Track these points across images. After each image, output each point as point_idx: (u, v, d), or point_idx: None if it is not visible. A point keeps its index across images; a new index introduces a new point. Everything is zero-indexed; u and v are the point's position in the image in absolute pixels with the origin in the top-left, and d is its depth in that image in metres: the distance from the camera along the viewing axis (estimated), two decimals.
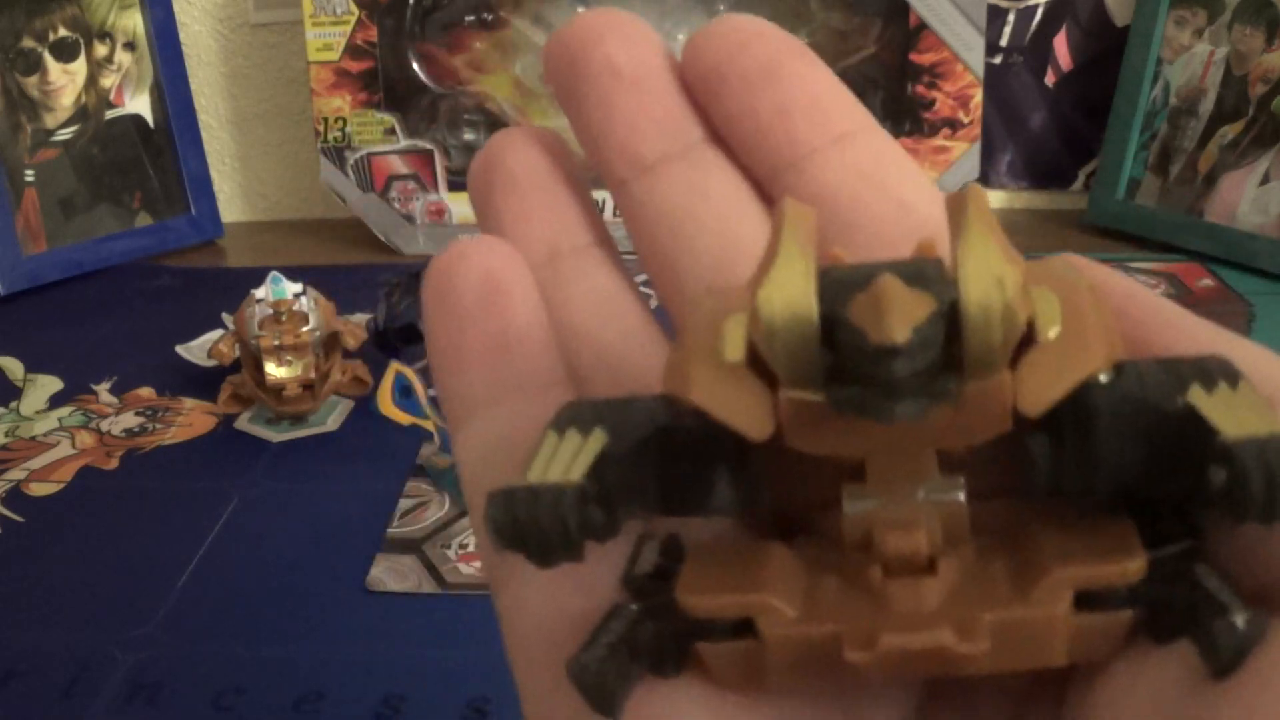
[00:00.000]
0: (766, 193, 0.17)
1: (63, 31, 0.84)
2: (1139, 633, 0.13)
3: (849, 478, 0.13)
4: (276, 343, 0.56)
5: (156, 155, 0.89)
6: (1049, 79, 0.91)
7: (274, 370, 0.56)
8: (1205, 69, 0.80)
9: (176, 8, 0.91)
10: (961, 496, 0.13)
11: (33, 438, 0.59)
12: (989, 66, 0.89)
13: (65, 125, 0.85)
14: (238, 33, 0.96)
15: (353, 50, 0.85)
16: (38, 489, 0.54)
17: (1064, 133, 0.92)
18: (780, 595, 0.13)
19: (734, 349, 0.12)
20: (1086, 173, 0.92)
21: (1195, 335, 0.14)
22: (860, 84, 0.87)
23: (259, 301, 0.57)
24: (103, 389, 0.64)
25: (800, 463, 0.13)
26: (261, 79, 0.97)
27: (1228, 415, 0.12)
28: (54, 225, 0.83)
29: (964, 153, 0.83)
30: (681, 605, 0.13)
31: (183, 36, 0.92)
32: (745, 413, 0.12)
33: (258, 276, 0.60)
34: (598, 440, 0.13)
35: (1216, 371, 0.12)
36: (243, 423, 0.59)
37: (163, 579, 0.46)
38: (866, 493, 0.13)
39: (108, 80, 0.86)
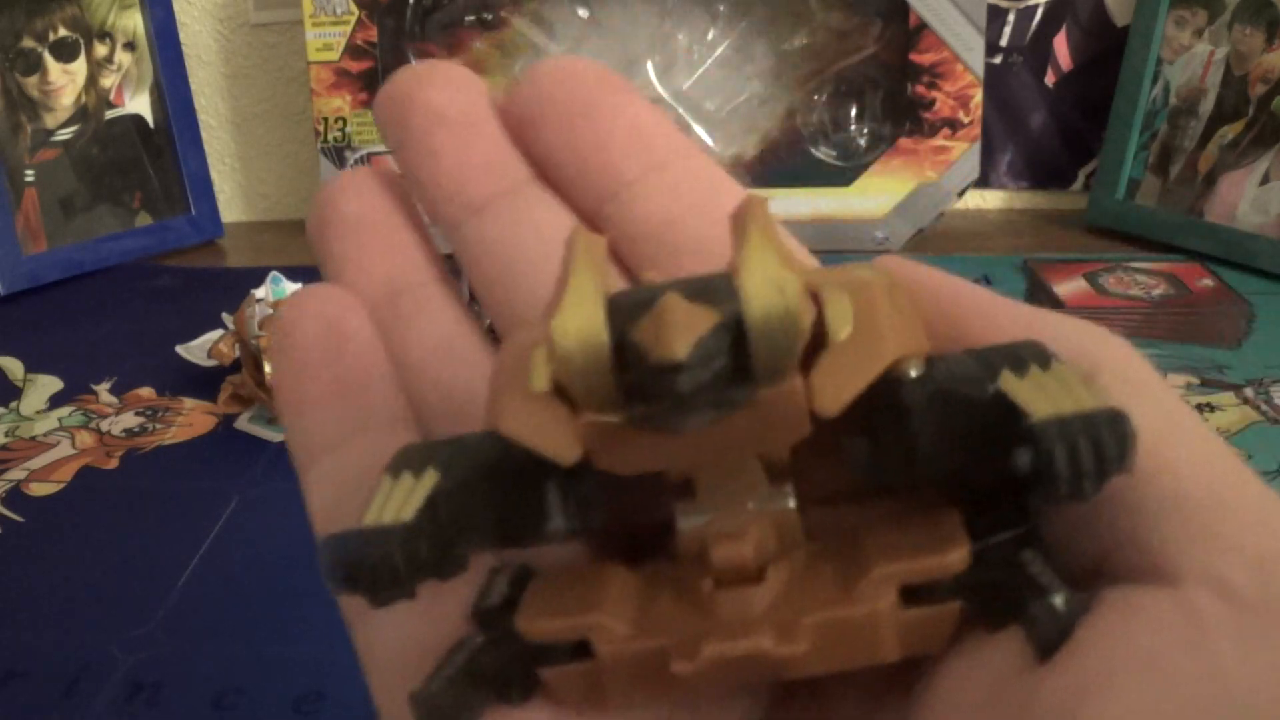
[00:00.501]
0: (594, 225, 0.17)
1: (63, 31, 0.84)
2: (972, 622, 0.13)
3: (681, 495, 0.14)
4: None
5: (156, 155, 0.89)
6: (1049, 79, 0.91)
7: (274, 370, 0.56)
8: (1205, 69, 0.80)
9: (176, 8, 0.91)
10: (791, 503, 0.13)
11: (33, 438, 0.59)
12: (989, 66, 0.89)
13: (65, 125, 0.85)
14: (238, 33, 0.96)
15: (353, 50, 0.85)
16: (38, 489, 0.54)
17: (1064, 133, 0.92)
18: (612, 614, 0.13)
19: (539, 379, 0.13)
20: (1086, 173, 0.92)
21: (1015, 320, 0.14)
22: (860, 84, 0.87)
23: (259, 301, 0.57)
24: (103, 389, 0.64)
25: (629, 484, 0.13)
26: (261, 79, 0.97)
27: (1038, 397, 0.12)
28: (54, 225, 0.84)
29: (964, 153, 0.83)
30: (520, 632, 0.13)
31: (183, 36, 0.92)
32: (552, 439, 0.12)
33: (258, 276, 0.60)
34: (430, 479, 0.13)
35: (1028, 355, 0.12)
36: (243, 423, 0.59)
37: (163, 579, 0.46)
38: (698, 508, 0.13)
39: (108, 80, 0.86)
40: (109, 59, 0.86)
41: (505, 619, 0.14)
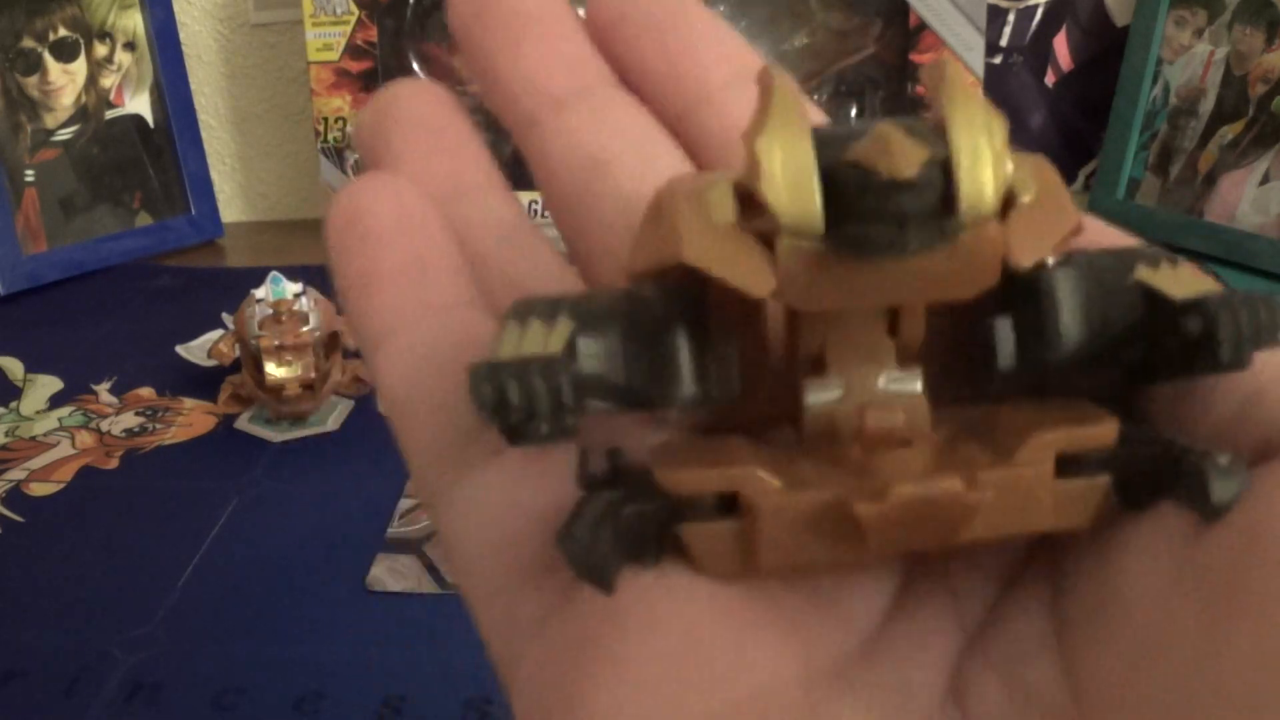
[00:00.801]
0: (677, 132, 0.17)
1: (63, 31, 0.84)
2: (1117, 502, 0.13)
3: (806, 373, 0.13)
4: (276, 343, 0.56)
5: (156, 155, 0.89)
6: (1049, 79, 0.91)
7: (274, 370, 0.56)
8: (1205, 69, 0.80)
9: (176, 8, 0.91)
10: (919, 387, 0.13)
11: (33, 438, 0.59)
12: (989, 66, 0.89)
13: (65, 125, 0.85)
14: (238, 33, 0.96)
15: (353, 50, 0.85)
16: (38, 489, 0.54)
17: (1064, 133, 0.92)
18: (766, 468, 0.12)
19: (723, 211, 0.12)
20: (1086, 173, 0.92)
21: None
22: (860, 84, 0.87)
23: (259, 301, 0.57)
24: (103, 389, 0.64)
25: (760, 356, 0.13)
26: (261, 79, 0.97)
27: (1176, 286, 0.12)
28: (54, 225, 0.83)
29: None
30: (662, 484, 0.12)
31: (183, 36, 0.92)
32: (744, 269, 0.12)
33: (258, 276, 0.60)
34: (565, 326, 0.13)
35: (1158, 255, 0.13)
36: (243, 423, 0.59)
37: (163, 579, 0.46)
38: (829, 385, 0.13)
39: (108, 80, 0.86)
40: (109, 59, 0.86)
41: (630, 485, 0.13)
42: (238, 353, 0.59)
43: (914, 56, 0.83)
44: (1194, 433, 0.13)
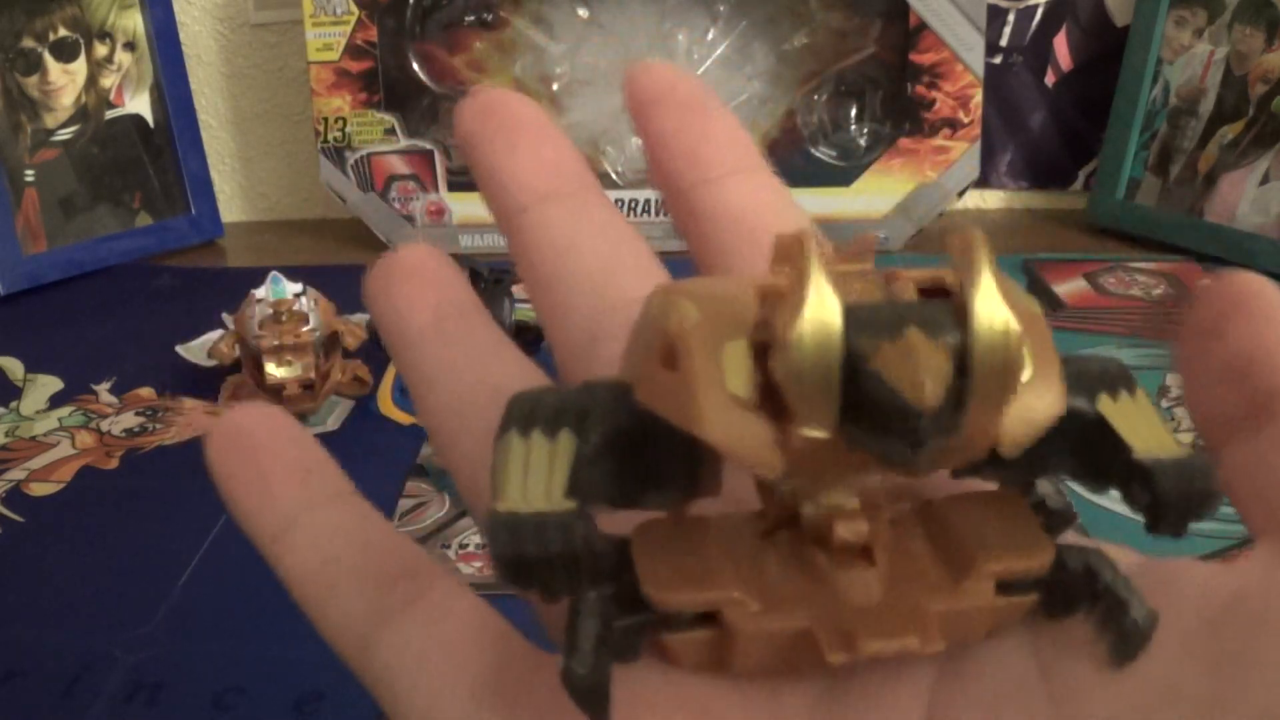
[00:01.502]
0: (682, 204, 0.20)
1: (63, 31, 0.84)
2: (1041, 610, 0.14)
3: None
4: (276, 343, 0.56)
5: (156, 155, 0.89)
6: (1049, 79, 0.91)
7: (274, 370, 0.56)
8: (1205, 69, 0.80)
9: (176, 8, 0.91)
10: (875, 478, 0.14)
11: (33, 438, 0.59)
12: (989, 66, 0.89)
13: (65, 125, 0.85)
14: (238, 33, 0.96)
15: (353, 50, 0.85)
16: (38, 489, 0.54)
17: (1064, 133, 0.92)
18: (742, 587, 0.13)
19: (739, 381, 0.12)
20: (1086, 173, 0.92)
21: None
22: (860, 84, 0.87)
23: (259, 301, 0.57)
24: (103, 389, 0.64)
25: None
26: (261, 79, 0.97)
27: (1133, 429, 0.13)
28: (54, 225, 0.84)
29: (964, 153, 0.83)
30: (651, 601, 0.13)
31: (183, 36, 0.92)
32: (757, 453, 0.12)
33: (258, 276, 0.60)
34: (566, 444, 0.13)
35: (1117, 379, 0.14)
36: None
37: (163, 579, 0.46)
38: (800, 483, 0.14)
39: (108, 80, 0.86)
40: (109, 59, 0.86)
41: (608, 567, 0.14)
42: (238, 353, 0.59)
43: (914, 56, 0.83)
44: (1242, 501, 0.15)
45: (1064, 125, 0.92)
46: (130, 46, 0.87)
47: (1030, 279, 0.75)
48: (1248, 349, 0.15)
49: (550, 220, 0.19)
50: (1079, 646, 0.14)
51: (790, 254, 0.12)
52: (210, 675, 0.40)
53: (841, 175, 0.85)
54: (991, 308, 0.12)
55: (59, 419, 0.61)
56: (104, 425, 0.60)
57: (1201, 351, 0.16)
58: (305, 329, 0.56)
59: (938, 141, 0.83)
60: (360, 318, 0.65)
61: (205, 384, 0.62)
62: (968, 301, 0.12)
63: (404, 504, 0.50)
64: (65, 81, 0.84)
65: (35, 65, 0.83)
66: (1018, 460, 0.13)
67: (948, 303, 0.12)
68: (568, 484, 0.13)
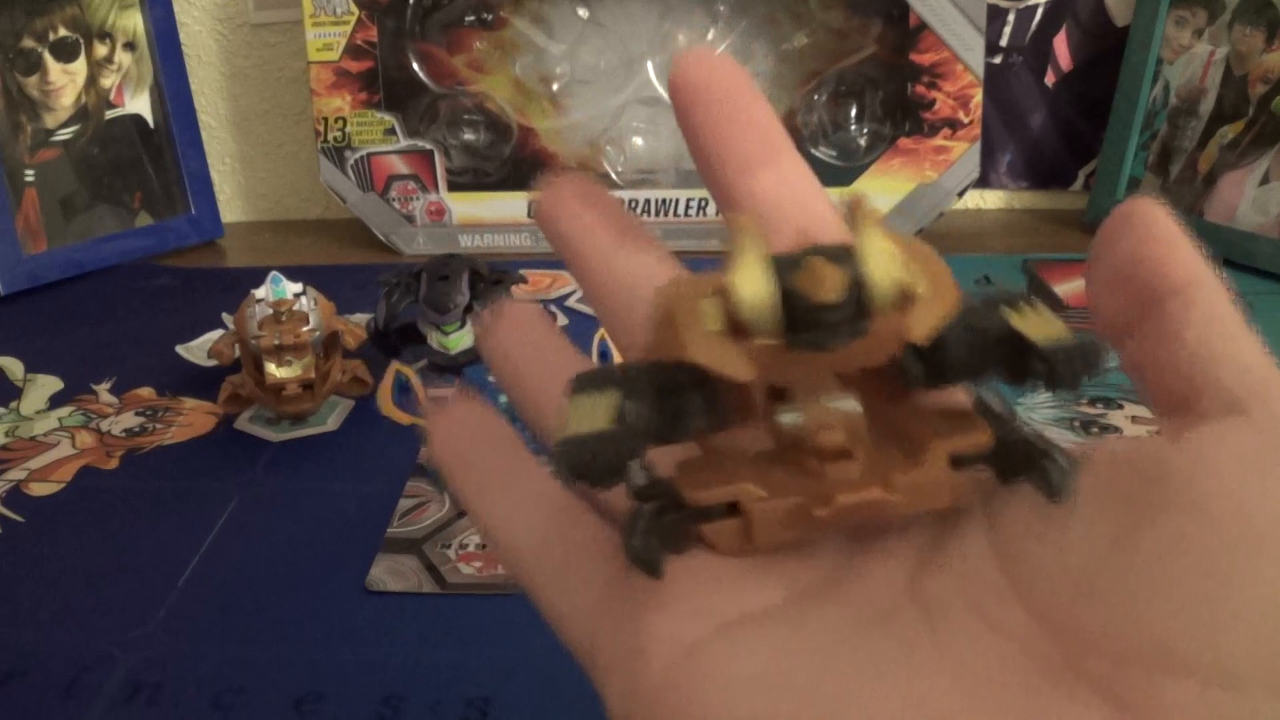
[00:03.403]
0: (722, 191, 0.22)
1: (63, 31, 0.84)
2: (994, 482, 0.18)
3: (778, 399, 0.19)
4: (276, 343, 0.56)
5: (156, 155, 0.89)
6: (1049, 79, 0.91)
7: (274, 370, 0.56)
8: (1205, 69, 0.80)
9: (176, 8, 0.91)
10: (856, 406, 0.19)
11: (33, 438, 0.59)
12: (989, 66, 0.89)
13: (65, 125, 0.85)
14: (238, 33, 0.96)
15: (353, 50, 0.85)
16: (38, 489, 0.54)
17: (1064, 133, 0.92)
18: (754, 483, 0.18)
19: (713, 320, 0.17)
20: (1086, 173, 0.92)
21: None
22: (860, 84, 0.87)
23: (259, 301, 0.57)
24: (103, 389, 0.64)
25: (745, 396, 0.19)
26: (261, 79, 0.97)
27: (1032, 327, 0.18)
28: (54, 225, 0.84)
29: (964, 153, 0.83)
30: (687, 499, 0.18)
31: (183, 36, 0.92)
32: (732, 362, 0.17)
33: (258, 276, 0.60)
34: (612, 396, 0.18)
35: (1018, 296, 0.18)
36: (243, 423, 0.59)
37: (163, 579, 0.46)
38: (793, 409, 0.19)
39: (108, 80, 0.86)
40: (109, 59, 0.86)
41: (657, 492, 0.19)
42: (238, 353, 0.59)
43: (914, 56, 0.83)
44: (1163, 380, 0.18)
45: (1064, 125, 0.92)
46: (130, 46, 0.87)
47: (1030, 279, 0.75)
48: (1134, 256, 0.19)
49: (628, 279, 0.22)
50: (1022, 525, 0.18)
51: (852, 217, 0.18)
52: (210, 675, 0.40)
53: (841, 175, 0.85)
54: (874, 238, 0.17)
55: (59, 419, 0.61)
56: (104, 425, 0.60)
57: (1098, 260, 0.19)
58: (305, 329, 0.56)
59: (938, 141, 0.83)
60: (360, 318, 0.65)
61: (205, 384, 0.62)
62: (858, 238, 0.17)
63: (404, 504, 0.50)
64: (65, 81, 0.84)
65: (35, 65, 0.83)
66: (960, 370, 0.18)
67: (848, 245, 0.17)
68: (614, 418, 0.18)
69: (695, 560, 0.19)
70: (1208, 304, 0.18)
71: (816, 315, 0.17)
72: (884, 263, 0.17)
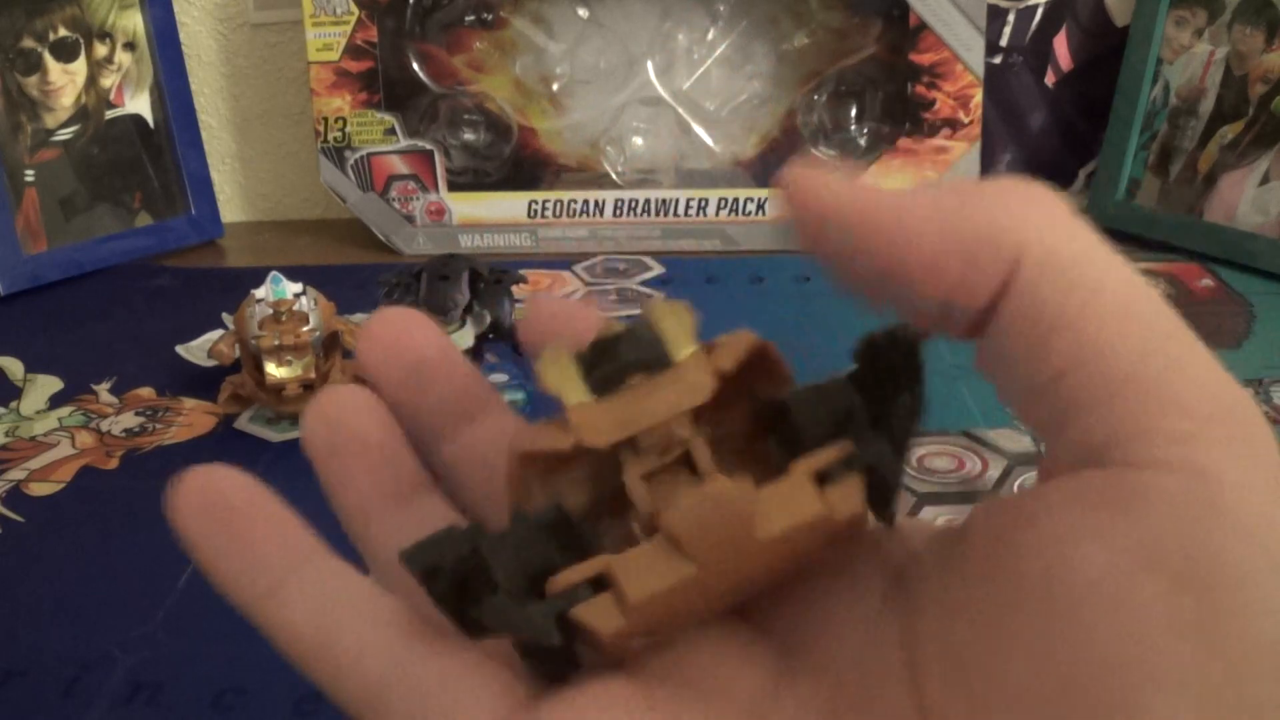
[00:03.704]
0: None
1: (63, 31, 0.84)
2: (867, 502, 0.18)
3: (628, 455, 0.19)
4: (276, 343, 0.56)
5: (156, 155, 0.89)
6: (1049, 79, 0.91)
7: (274, 370, 0.56)
8: (1205, 69, 0.80)
9: (176, 8, 0.91)
10: (704, 441, 0.18)
11: (33, 438, 0.59)
12: (989, 66, 0.89)
13: (65, 125, 0.85)
14: (238, 33, 0.96)
15: (353, 50, 0.85)
16: (38, 489, 0.54)
17: (1064, 133, 0.92)
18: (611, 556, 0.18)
19: (560, 439, 0.18)
20: (1086, 173, 0.92)
21: (928, 219, 0.18)
22: (860, 84, 0.87)
23: (259, 301, 0.57)
24: (103, 389, 0.64)
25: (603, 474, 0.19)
26: (261, 79, 0.97)
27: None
28: (54, 225, 0.84)
29: (964, 153, 0.83)
30: (548, 590, 0.17)
31: (183, 36, 0.92)
32: (555, 440, 0.18)
33: (258, 276, 0.60)
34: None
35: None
36: (243, 423, 0.59)
37: (163, 579, 0.46)
38: (646, 482, 0.18)
39: (108, 80, 0.86)
40: (109, 59, 0.86)
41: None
42: (238, 353, 0.59)
43: (914, 56, 0.83)
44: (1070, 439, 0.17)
45: (1064, 125, 0.92)
46: (130, 46, 0.87)
47: None
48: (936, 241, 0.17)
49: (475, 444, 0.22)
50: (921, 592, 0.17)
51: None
52: (210, 675, 0.40)
53: None
54: (668, 311, 0.19)
55: (59, 419, 0.61)
56: (104, 425, 0.60)
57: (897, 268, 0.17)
58: (305, 329, 0.56)
59: (938, 141, 0.83)
60: (360, 318, 0.65)
61: (205, 384, 0.62)
62: (654, 314, 0.19)
63: None
64: (65, 81, 0.84)
65: (35, 65, 0.83)
66: (810, 433, 0.18)
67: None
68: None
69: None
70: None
71: (613, 356, 0.18)
72: (672, 320, 0.18)
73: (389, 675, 0.18)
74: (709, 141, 0.88)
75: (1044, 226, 0.16)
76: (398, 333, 0.21)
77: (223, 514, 0.20)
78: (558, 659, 0.18)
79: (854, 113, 0.87)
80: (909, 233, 0.16)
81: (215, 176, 0.96)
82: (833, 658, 0.18)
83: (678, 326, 0.18)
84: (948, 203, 0.16)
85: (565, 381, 0.18)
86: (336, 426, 0.21)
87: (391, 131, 0.86)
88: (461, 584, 0.17)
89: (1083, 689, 0.14)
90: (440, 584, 0.17)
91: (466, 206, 0.87)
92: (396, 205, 0.87)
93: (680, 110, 0.88)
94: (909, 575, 0.18)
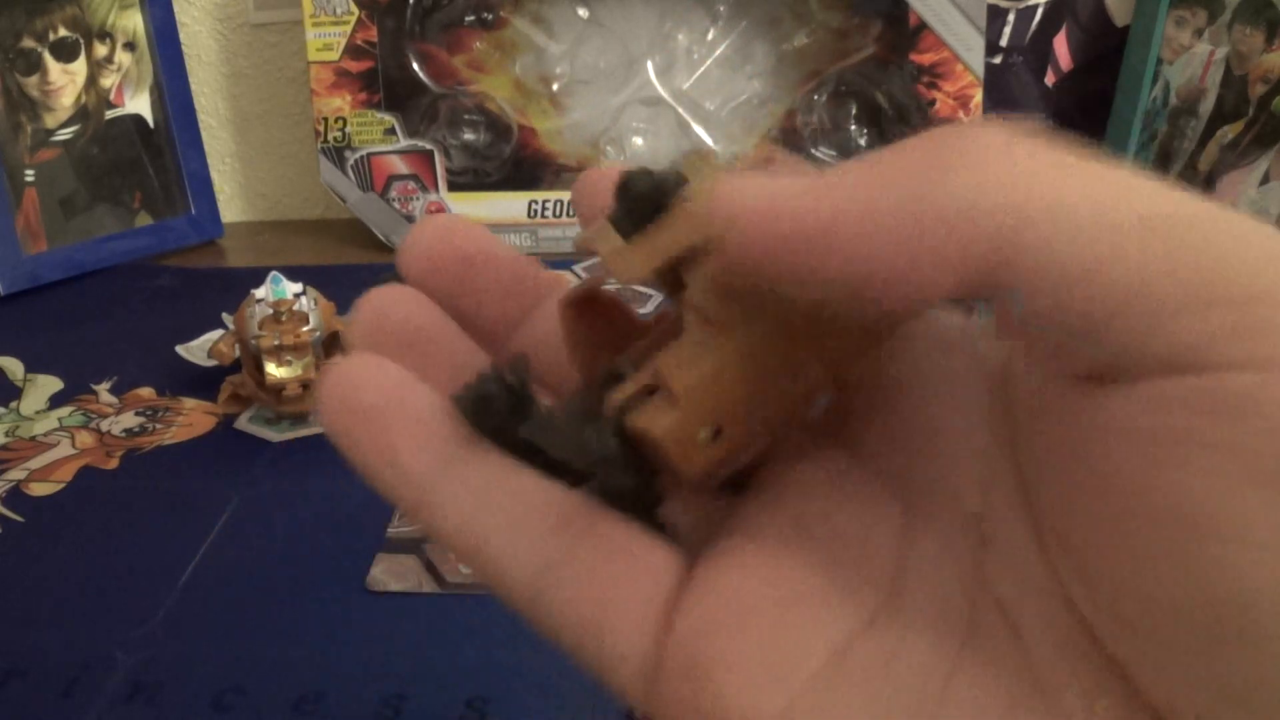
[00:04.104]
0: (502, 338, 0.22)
1: (63, 31, 0.84)
2: None
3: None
4: (276, 343, 0.56)
5: (156, 155, 0.89)
6: (1049, 79, 0.91)
7: (274, 370, 0.56)
8: (1205, 69, 0.80)
9: (176, 8, 0.91)
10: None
11: (33, 438, 0.59)
12: (989, 66, 0.89)
13: (65, 125, 0.85)
14: (238, 33, 0.96)
15: (353, 50, 0.85)
16: (38, 489, 0.54)
17: (1064, 133, 0.92)
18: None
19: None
20: None
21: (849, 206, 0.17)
22: (860, 84, 0.87)
23: (259, 301, 0.57)
24: (103, 389, 0.64)
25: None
26: (261, 79, 0.97)
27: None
28: (54, 225, 0.84)
29: None
30: (605, 409, 0.18)
31: (183, 36, 0.92)
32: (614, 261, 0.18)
33: (258, 276, 0.60)
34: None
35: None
36: (243, 423, 0.59)
37: (163, 579, 0.46)
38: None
39: (108, 80, 0.86)
40: (109, 59, 0.86)
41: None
42: (238, 353, 0.59)
43: (914, 56, 0.83)
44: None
45: (1064, 125, 0.92)
46: (130, 46, 0.87)
47: None
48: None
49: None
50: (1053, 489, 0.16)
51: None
52: (210, 675, 0.40)
53: None
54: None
55: (59, 419, 0.61)
56: (104, 425, 0.60)
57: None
58: (305, 329, 0.56)
59: None
60: None
61: (205, 384, 0.62)
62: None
63: None
64: (65, 81, 0.84)
65: (35, 65, 0.83)
66: None
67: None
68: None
69: (728, 580, 0.17)
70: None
71: (643, 205, 0.18)
72: (699, 162, 0.19)
73: (554, 558, 0.17)
74: (709, 141, 0.88)
75: (1017, 187, 0.15)
76: (437, 238, 0.21)
77: (362, 419, 0.19)
78: (640, 496, 0.18)
79: (854, 113, 0.87)
80: (870, 248, 0.14)
81: (215, 176, 0.96)
82: (956, 504, 0.17)
83: (705, 168, 0.18)
84: (895, 199, 0.14)
85: (599, 234, 0.18)
86: (384, 316, 0.20)
87: (391, 131, 0.86)
88: (515, 410, 0.18)
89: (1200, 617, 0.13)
90: (492, 418, 0.17)
91: (466, 206, 0.87)
92: (396, 205, 0.87)
93: (680, 110, 0.88)
94: (1011, 394, 0.17)
